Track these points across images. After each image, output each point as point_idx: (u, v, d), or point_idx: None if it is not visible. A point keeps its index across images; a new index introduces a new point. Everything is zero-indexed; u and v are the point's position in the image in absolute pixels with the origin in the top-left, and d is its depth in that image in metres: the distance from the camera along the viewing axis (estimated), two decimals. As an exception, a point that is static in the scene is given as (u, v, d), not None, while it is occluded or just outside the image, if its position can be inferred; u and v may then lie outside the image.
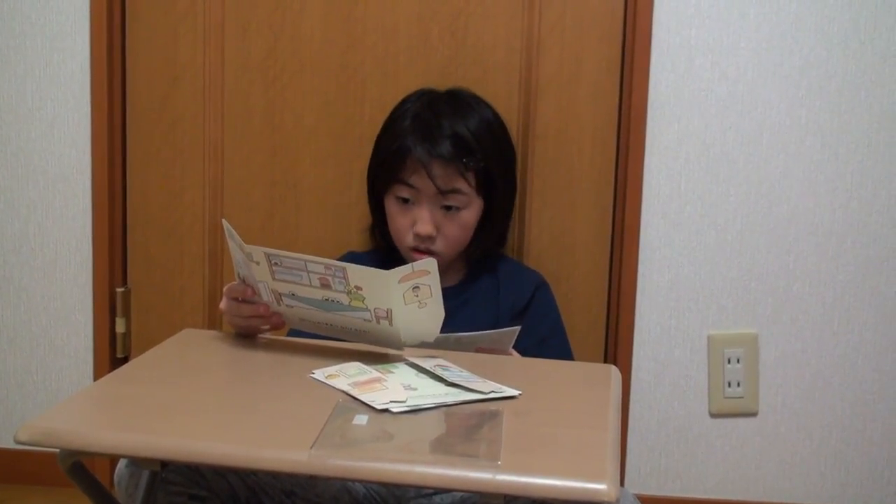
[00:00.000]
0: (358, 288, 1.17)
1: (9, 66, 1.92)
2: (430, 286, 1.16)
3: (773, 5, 1.79)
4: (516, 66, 1.84)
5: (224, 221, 1.28)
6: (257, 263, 1.22)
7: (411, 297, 1.16)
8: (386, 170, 1.56)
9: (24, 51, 1.91)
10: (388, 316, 1.18)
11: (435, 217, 1.54)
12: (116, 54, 1.90)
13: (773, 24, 1.80)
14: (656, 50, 1.81)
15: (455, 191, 1.53)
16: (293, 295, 1.22)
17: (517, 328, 1.36)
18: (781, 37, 1.80)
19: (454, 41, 1.84)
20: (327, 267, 1.17)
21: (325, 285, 1.18)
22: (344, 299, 1.18)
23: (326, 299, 1.20)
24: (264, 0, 1.86)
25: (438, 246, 1.55)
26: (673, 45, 1.81)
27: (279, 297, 1.24)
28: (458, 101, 1.60)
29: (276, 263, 1.20)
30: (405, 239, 1.56)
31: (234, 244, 1.25)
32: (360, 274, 1.16)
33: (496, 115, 1.63)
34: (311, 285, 1.19)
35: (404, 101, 1.63)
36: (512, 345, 1.39)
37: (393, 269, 1.14)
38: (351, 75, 1.86)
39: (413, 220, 1.54)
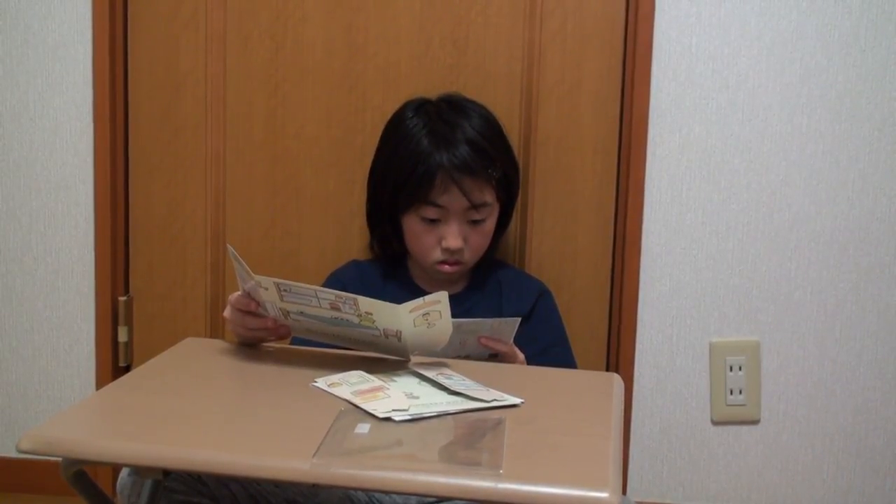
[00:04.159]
0: (368, 313, 1.17)
1: (11, 75, 1.93)
2: (440, 311, 1.17)
3: (774, 13, 1.79)
4: (517, 74, 1.84)
5: (230, 247, 1.28)
6: (266, 289, 1.22)
7: (421, 321, 1.17)
8: (410, 192, 1.52)
9: (27, 60, 1.92)
10: (398, 335, 1.18)
11: (462, 230, 1.54)
12: (118, 64, 1.91)
13: (774, 32, 1.80)
14: (657, 58, 1.81)
15: (484, 204, 1.53)
16: (301, 313, 1.22)
17: (518, 319, 1.38)
18: (782, 45, 1.80)
19: (455, 50, 1.84)
20: (338, 296, 1.17)
21: (335, 308, 1.19)
22: (354, 320, 1.19)
23: (336, 318, 1.20)
24: (266, 9, 1.87)
25: (465, 256, 1.56)
26: (674, 53, 1.81)
27: (287, 313, 1.24)
28: (459, 108, 1.59)
29: (285, 290, 1.20)
30: (432, 255, 1.55)
31: (241, 269, 1.25)
32: (371, 304, 1.16)
33: (489, 111, 1.63)
34: (320, 307, 1.20)
35: (401, 118, 1.59)
36: (513, 336, 1.40)
37: (405, 304, 1.15)
38: (353, 84, 1.87)
39: (439, 237, 1.53)
